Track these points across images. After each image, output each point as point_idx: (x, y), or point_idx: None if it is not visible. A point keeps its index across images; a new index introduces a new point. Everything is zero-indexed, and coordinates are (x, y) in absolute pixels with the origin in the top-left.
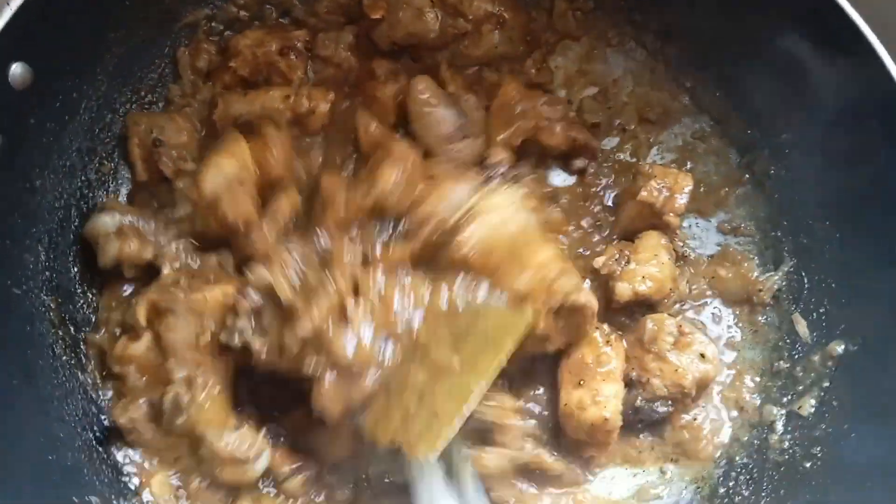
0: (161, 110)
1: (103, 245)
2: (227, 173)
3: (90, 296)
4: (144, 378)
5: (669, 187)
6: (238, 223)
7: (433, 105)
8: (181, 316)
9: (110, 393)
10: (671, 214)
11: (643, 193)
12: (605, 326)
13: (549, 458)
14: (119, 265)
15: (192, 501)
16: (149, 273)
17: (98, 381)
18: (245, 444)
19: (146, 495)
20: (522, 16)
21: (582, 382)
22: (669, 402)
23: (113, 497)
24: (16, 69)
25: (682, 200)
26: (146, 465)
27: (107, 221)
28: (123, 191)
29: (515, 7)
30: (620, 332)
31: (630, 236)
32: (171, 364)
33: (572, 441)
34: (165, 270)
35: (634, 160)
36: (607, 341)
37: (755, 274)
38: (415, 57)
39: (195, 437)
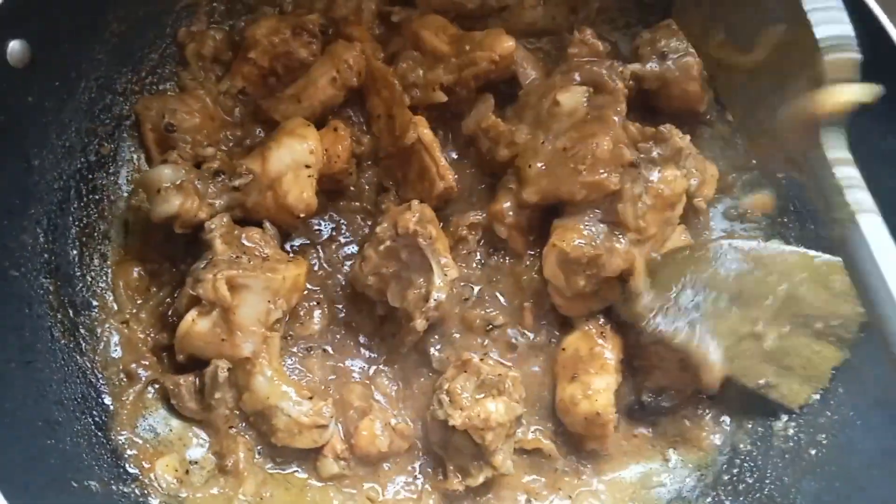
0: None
1: (164, 195)
2: (297, 154)
3: (89, 279)
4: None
5: (700, 172)
6: (297, 206)
7: None
8: (257, 293)
9: (122, 378)
10: (700, 199)
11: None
12: (601, 317)
13: (545, 441)
14: (170, 221)
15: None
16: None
17: (98, 365)
18: (324, 409)
19: (150, 477)
20: None
21: (575, 376)
22: (673, 394)
23: (111, 481)
24: (14, 46)
25: (711, 187)
26: (150, 448)
27: (168, 174)
28: (124, 173)
29: None
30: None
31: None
32: (238, 339)
33: (573, 436)
34: (220, 246)
35: None
36: (601, 333)
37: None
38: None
39: (267, 410)
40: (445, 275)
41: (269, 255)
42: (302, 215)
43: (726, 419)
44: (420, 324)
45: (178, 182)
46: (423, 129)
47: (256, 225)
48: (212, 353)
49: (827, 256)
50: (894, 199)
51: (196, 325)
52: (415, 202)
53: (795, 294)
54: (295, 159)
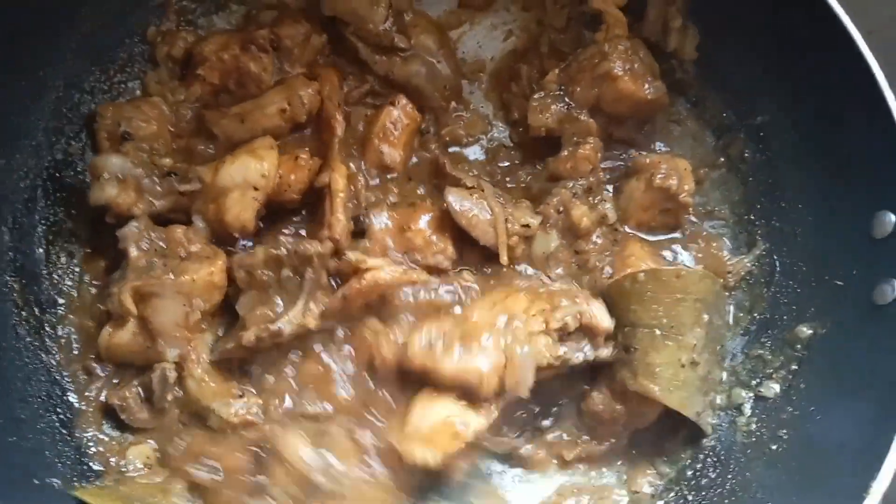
0: (132, 95)
1: (102, 183)
2: (249, 174)
3: (55, 277)
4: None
5: (674, 169)
6: (233, 225)
7: None
8: (168, 298)
9: (82, 375)
10: (685, 195)
11: (658, 180)
12: None
13: None
14: (104, 208)
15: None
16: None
17: (62, 363)
18: (253, 408)
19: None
20: None
21: None
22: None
23: (74, 478)
24: None
25: (690, 181)
26: (115, 444)
27: (115, 163)
28: (88, 177)
29: None
30: None
31: (643, 226)
32: (161, 346)
33: None
34: (133, 253)
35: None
36: None
37: (726, 257)
38: None
39: (200, 411)
40: (304, 317)
41: (192, 253)
42: (236, 235)
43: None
44: (247, 338)
45: (121, 174)
46: (336, 177)
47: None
48: (140, 361)
49: (720, 282)
50: None
51: (115, 337)
52: (327, 241)
53: (711, 320)
54: (246, 178)
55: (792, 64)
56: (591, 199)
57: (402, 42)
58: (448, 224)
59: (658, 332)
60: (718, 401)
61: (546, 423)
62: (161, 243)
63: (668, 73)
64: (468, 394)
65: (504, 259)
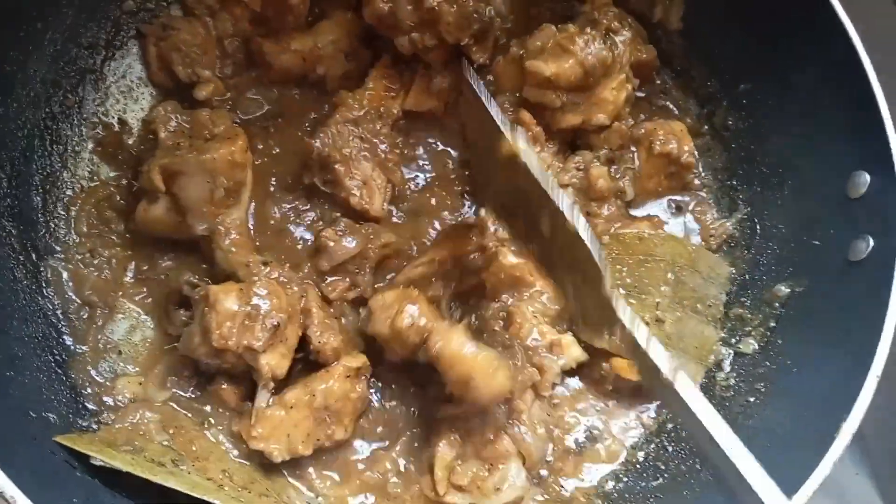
0: (129, 52)
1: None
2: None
3: (52, 226)
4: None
5: (671, 133)
6: None
7: None
8: (194, 176)
9: (74, 317)
10: (686, 155)
11: (658, 147)
12: None
13: None
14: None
15: None
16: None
17: (58, 307)
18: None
19: (116, 398)
20: None
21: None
22: None
23: (70, 415)
24: None
25: (688, 140)
26: (109, 385)
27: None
28: (84, 131)
29: None
30: None
31: (653, 195)
32: (191, 220)
33: None
34: (162, 134)
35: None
36: None
37: (709, 221)
38: None
39: (231, 276)
40: None
41: (216, 134)
42: None
43: None
44: None
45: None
46: None
47: None
48: (175, 235)
49: (695, 243)
50: None
51: (149, 212)
52: None
53: (680, 279)
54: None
55: (773, 32)
56: (611, 169)
57: None
58: None
59: (622, 291)
60: (711, 358)
61: None
62: (187, 125)
63: (653, 44)
64: None
65: None
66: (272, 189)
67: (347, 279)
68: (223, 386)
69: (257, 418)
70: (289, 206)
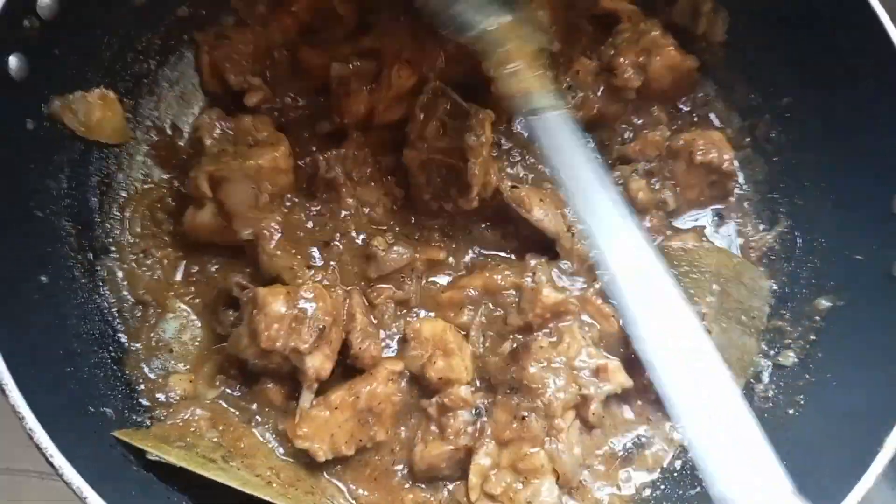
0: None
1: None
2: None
3: (108, 226)
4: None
5: (711, 142)
6: None
7: None
8: (238, 182)
9: (128, 316)
10: (727, 163)
11: (699, 157)
12: None
13: None
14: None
15: None
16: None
17: (114, 305)
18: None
19: (168, 395)
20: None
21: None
22: None
23: (126, 410)
24: (44, 1)
25: (728, 149)
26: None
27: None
28: (140, 135)
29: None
30: None
31: (695, 204)
32: (237, 225)
33: None
34: (207, 141)
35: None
36: None
37: (750, 233)
38: None
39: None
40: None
41: (259, 141)
42: None
43: None
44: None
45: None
46: None
47: None
48: (221, 240)
49: (739, 256)
50: None
51: (196, 217)
52: None
53: (725, 290)
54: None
55: (817, 46)
56: (651, 181)
57: None
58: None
59: None
60: (751, 370)
61: None
62: (231, 132)
63: (696, 55)
64: None
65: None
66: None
67: (392, 287)
68: (269, 385)
69: (302, 418)
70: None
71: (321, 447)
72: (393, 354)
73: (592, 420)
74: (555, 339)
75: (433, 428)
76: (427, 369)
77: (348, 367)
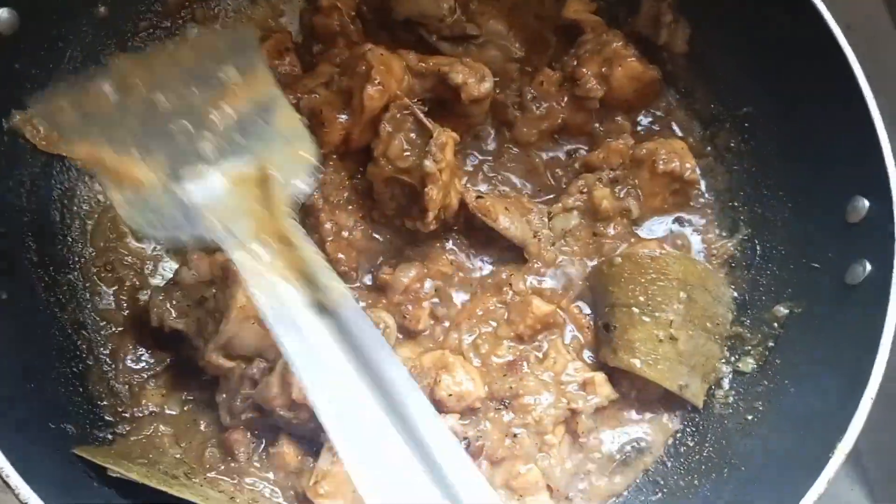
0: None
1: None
2: None
3: (69, 240)
4: None
5: (673, 151)
6: None
7: None
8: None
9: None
10: (689, 172)
11: (661, 166)
12: None
13: None
14: None
15: None
16: None
17: (76, 320)
18: None
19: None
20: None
21: None
22: None
23: (87, 426)
24: (3, 14)
25: (690, 158)
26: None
27: None
28: None
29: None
30: None
31: (658, 211)
32: None
33: None
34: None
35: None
36: None
37: (711, 240)
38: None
39: None
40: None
41: None
42: None
43: None
44: None
45: None
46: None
47: None
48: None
49: (703, 263)
50: None
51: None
52: None
53: (692, 298)
54: None
55: (775, 57)
56: (616, 189)
57: (473, 30)
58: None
59: (635, 309)
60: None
61: None
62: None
63: (658, 66)
64: None
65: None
66: None
67: (411, 305)
68: (284, 449)
69: (322, 476)
70: None
71: None
72: None
73: (581, 433)
74: (540, 354)
75: None
76: (436, 392)
77: None
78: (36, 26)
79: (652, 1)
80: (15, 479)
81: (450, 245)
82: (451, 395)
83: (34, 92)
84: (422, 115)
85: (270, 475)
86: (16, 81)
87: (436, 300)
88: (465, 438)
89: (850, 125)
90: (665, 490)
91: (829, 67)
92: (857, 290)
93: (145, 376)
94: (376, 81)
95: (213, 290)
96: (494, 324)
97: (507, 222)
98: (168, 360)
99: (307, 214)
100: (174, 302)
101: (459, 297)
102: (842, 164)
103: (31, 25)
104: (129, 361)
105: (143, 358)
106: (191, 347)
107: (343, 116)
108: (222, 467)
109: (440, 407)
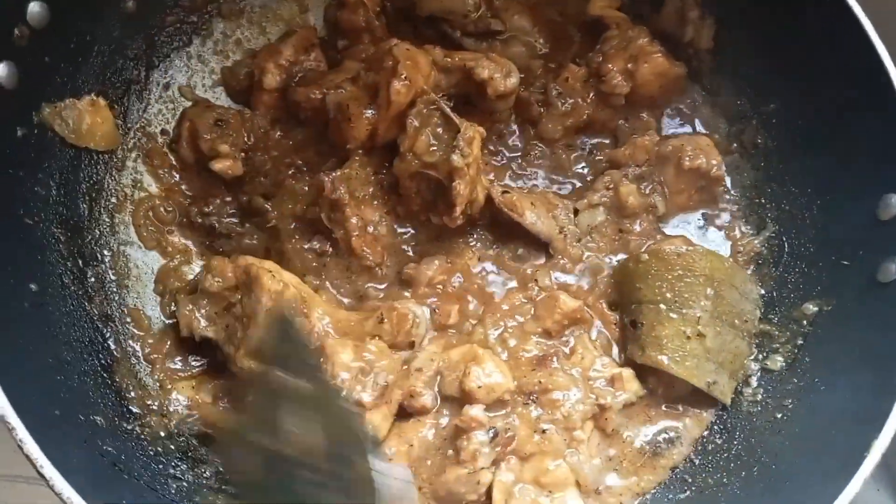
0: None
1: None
2: None
3: (97, 233)
4: None
5: (699, 148)
6: None
7: None
8: None
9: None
10: (715, 169)
11: (686, 162)
12: None
13: None
14: None
15: None
16: None
17: (104, 312)
18: None
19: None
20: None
21: None
22: None
23: (115, 418)
24: (34, 8)
25: (716, 154)
26: (151, 392)
27: None
28: (129, 141)
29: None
30: None
31: (683, 208)
32: None
33: None
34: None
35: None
36: None
37: (737, 237)
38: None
39: None
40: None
41: None
42: None
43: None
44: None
45: None
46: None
47: None
48: None
49: (730, 259)
50: None
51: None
52: None
53: (719, 294)
54: None
55: (803, 52)
56: (641, 186)
57: (498, 26)
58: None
59: (663, 306)
60: (741, 373)
61: None
62: None
63: (683, 62)
64: None
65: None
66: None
67: (439, 299)
68: None
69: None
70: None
71: None
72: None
73: (610, 429)
74: (567, 350)
75: (449, 452)
76: (465, 383)
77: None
78: (66, 20)
79: None
80: (49, 471)
81: (474, 240)
82: (480, 386)
83: (63, 85)
84: (448, 110)
85: None
86: (46, 74)
87: (465, 295)
88: (492, 428)
89: (880, 121)
90: (693, 488)
91: (859, 62)
92: (889, 288)
93: (181, 376)
94: (403, 76)
95: (239, 295)
96: (521, 318)
97: (533, 217)
98: (204, 363)
99: (333, 209)
100: (202, 311)
101: (484, 293)
102: (872, 161)
103: (61, 19)
104: (167, 363)
105: (178, 361)
106: (222, 354)
107: (369, 112)
108: None
109: (469, 399)
